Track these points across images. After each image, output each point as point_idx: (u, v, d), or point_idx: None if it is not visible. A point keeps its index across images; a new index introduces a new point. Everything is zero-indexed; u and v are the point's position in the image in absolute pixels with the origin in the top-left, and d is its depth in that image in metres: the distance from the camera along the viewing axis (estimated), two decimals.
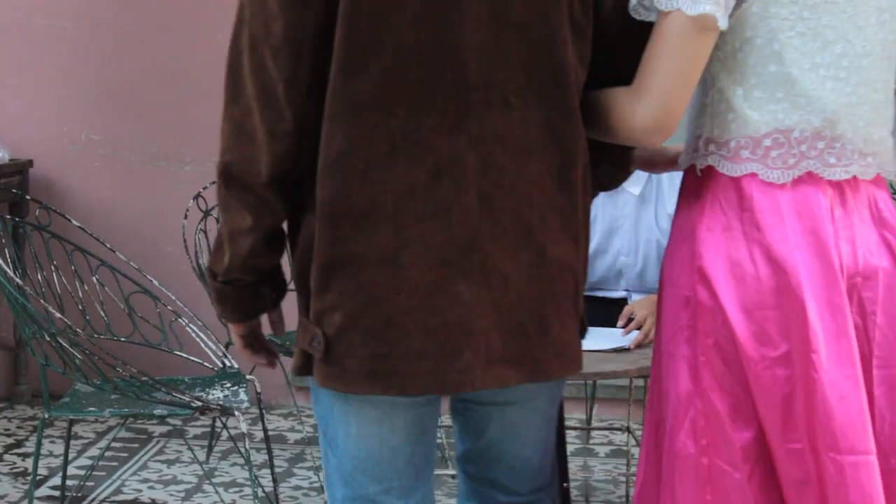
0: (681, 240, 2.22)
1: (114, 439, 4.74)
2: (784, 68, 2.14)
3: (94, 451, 4.76)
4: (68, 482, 4.20)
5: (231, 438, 4.68)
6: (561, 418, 3.05)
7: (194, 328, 4.12)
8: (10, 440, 4.91)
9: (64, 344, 3.55)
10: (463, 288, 1.99)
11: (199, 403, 3.63)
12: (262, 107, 1.99)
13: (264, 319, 2.28)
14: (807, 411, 2.09)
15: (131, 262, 4.22)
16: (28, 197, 4.72)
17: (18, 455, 4.73)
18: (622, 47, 2.12)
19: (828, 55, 2.15)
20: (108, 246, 4.21)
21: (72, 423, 3.92)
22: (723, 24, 2.07)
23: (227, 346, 4.36)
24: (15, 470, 4.55)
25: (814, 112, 2.15)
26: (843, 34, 2.15)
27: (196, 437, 4.97)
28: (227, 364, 4.11)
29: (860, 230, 2.18)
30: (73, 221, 4.21)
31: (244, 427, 3.67)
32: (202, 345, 4.15)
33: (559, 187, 2.05)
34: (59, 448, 4.70)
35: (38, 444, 3.80)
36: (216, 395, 3.81)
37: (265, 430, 4.03)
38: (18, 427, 5.09)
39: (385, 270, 1.98)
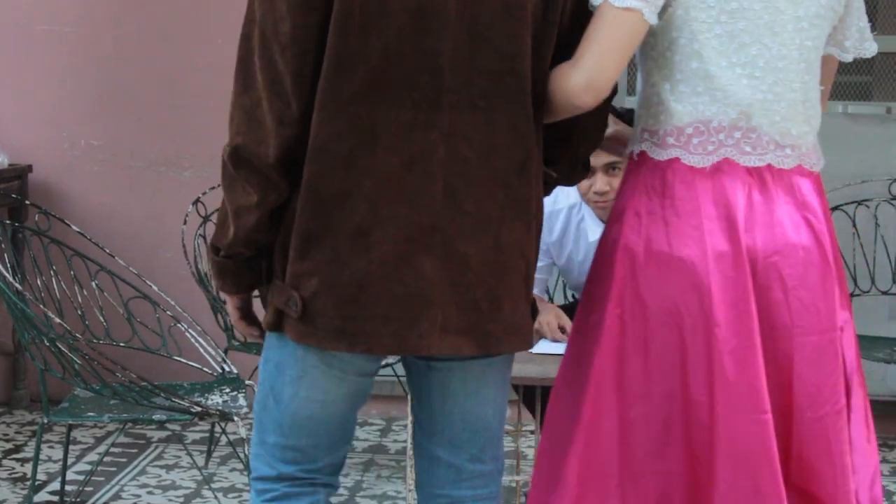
0: (613, 221, 2.51)
1: (113, 444, 4.73)
2: (704, 65, 2.42)
3: (92, 457, 4.75)
4: (67, 487, 4.20)
5: (230, 444, 4.69)
6: None
7: (193, 333, 4.12)
8: (8, 445, 4.90)
9: (63, 349, 3.55)
10: (426, 264, 2.26)
11: (198, 409, 3.64)
12: (272, 97, 2.24)
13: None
14: (707, 373, 2.39)
15: (130, 267, 4.22)
16: (27, 202, 4.73)
17: (17, 460, 4.73)
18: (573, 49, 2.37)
19: (744, 56, 2.43)
20: (108, 251, 4.21)
21: (71, 428, 3.93)
22: (650, 18, 2.35)
23: (226, 352, 4.37)
24: (14, 475, 4.55)
25: (730, 105, 2.44)
26: (759, 38, 2.43)
27: (195, 442, 4.97)
28: (226, 369, 4.11)
29: (781, 212, 2.45)
30: (73, 226, 4.22)
31: (243, 432, 3.67)
32: (201, 350, 4.16)
33: (518, 182, 2.31)
34: (57, 453, 4.70)
35: (37, 449, 3.80)
36: (215, 400, 3.81)
37: None
38: (17, 432, 5.08)
39: (358, 243, 2.25)
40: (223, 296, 2.52)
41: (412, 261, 2.26)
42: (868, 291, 5.14)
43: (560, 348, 3.30)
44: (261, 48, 2.24)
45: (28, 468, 4.52)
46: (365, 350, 2.30)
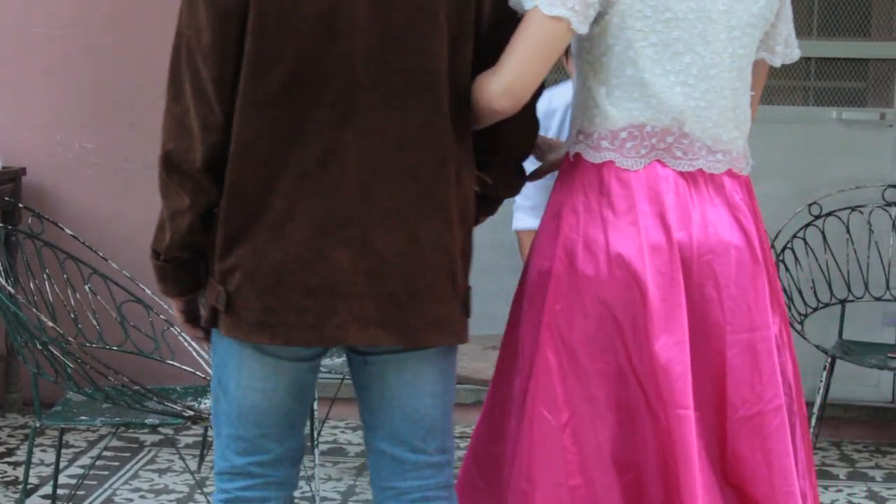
0: (550, 217, 2.58)
1: (105, 448, 4.72)
2: (639, 73, 2.49)
3: (85, 460, 4.75)
4: (59, 491, 4.19)
5: None
6: None
7: (186, 337, 4.12)
8: (1, 449, 4.89)
9: (56, 352, 3.55)
10: (341, 257, 2.34)
11: (191, 413, 3.63)
12: (198, 104, 2.36)
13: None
14: (640, 363, 2.47)
15: (124, 270, 4.21)
16: (21, 205, 4.72)
17: (9, 464, 4.73)
18: (498, 52, 2.44)
19: (677, 64, 2.50)
20: (101, 254, 4.21)
21: (63, 431, 3.92)
22: (578, 28, 2.42)
23: None
24: (6, 478, 4.54)
25: (664, 111, 2.51)
26: (692, 47, 2.50)
27: (188, 446, 4.97)
28: None
29: (714, 213, 2.53)
30: (66, 230, 4.21)
31: None
32: (194, 354, 4.15)
33: (434, 179, 2.38)
34: (50, 457, 4.69)
35: (30, 453, 3.80)
36: (208, 404, 3.80)
37: None
38: (9, 436, 5.08)
39: (276, 238, 2.34)
40: (167, 299, 2.62)
41: (328, 254, 2.34)
42: (861, 297, 5.14)
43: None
44: (187, 58, 2.37)
45: (20, 472, 4.51)
46: (284, 342, 2.38)
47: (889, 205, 5.16)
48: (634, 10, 2.46)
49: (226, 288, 2.39)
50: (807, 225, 5.08)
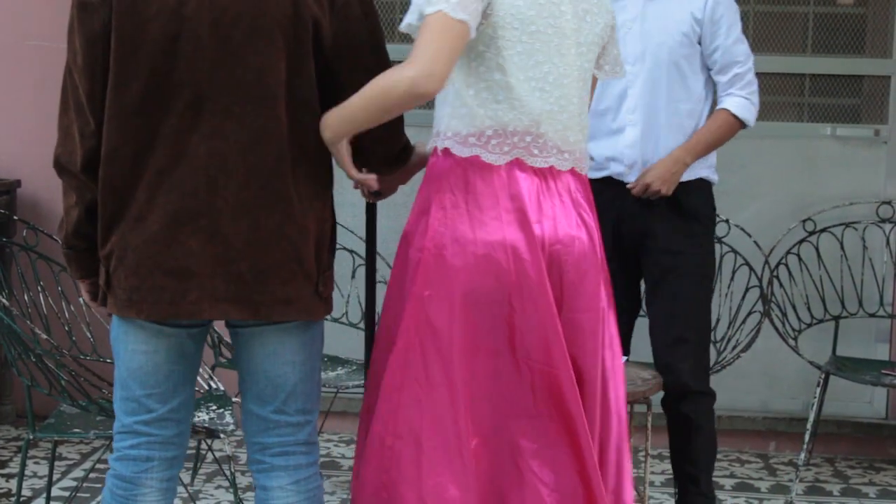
0: (420, 212, 2.86)
1: (98, 461, 4.72)
2: (505, 77, 2.80)
3: (78, 473, 4.74)
4: (52, 503, 4.18)
5: (216, 461, 4.69)
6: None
7: None
8: None
9: (49, 365, 3.55)
10: (193, 243, 2.72)
11: None
12: (77, 115, 2.82)
13: None
14: (510, 328, 2.78)
15: None
16: (15, 217, 4.72)
17: (2, 476, 4.71)
18: (350, 67, 2.79)
19: (538, 72, 2.82)
20: None
21: (56, 444, 3.92)
22: (473, 33, 2.71)
23: (213, 369, 4.36)
24: None
25: (524, 113, 2.82)
26: (550, 57, 2.83)
27: None
28: (213, 386, 4.10)
29: (561, 209, 2.86)
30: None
31: (229, 450, 3.66)
32: None
33: (273, 175, 2.74)
34: (43, 469, 4.69)
35: (23, 465, 3.79)
36: (202, 417, 3.80)
37: None
38: (2, 448, 5.07)
39: (138, 227, 2.74)
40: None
41: (181, 240, 2.72)
42: (855, 314, 5.15)
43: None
44: (69, 77, 2.83)
45: (13, 484, 4.51)
46: (149, 316, 2.77)
47: (883, 221, 5.18)
48: (506, 21, 2.78)
49: (107, 270, 2.80)
50: (801, 241, 5.09)
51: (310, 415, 2.95)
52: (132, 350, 2.85)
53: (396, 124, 2.86)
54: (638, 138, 3.94)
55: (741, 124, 4.00)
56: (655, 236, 3.98)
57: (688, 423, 4.03)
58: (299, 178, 2.78)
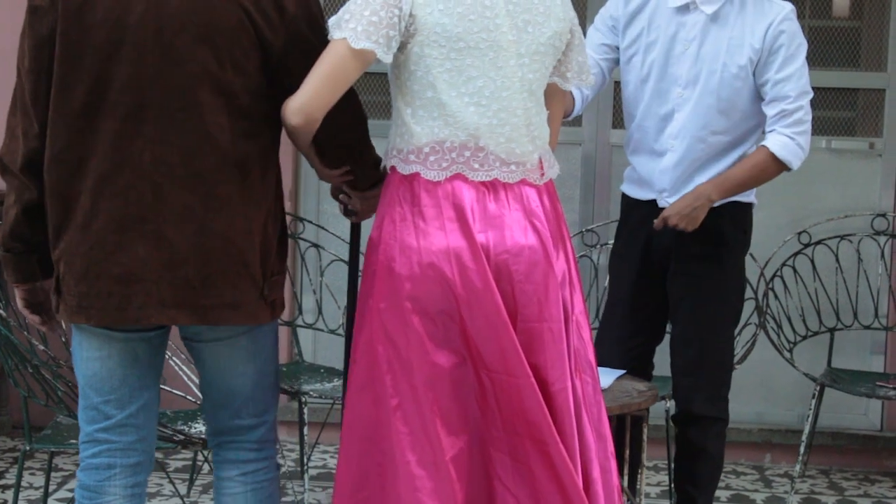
0: (375, 228, 2.92)
1: None
2: (437, 95, 2.84)
3: (74, 484, 4.73)
4: None
5: (212, 472, 4.68)
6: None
7: (177, 361, 4.12)
8: None
9: (46, 376, 3.55)
10: (139, 248, 2.73)
11: (181, 437, 3.63)
12: (22, 117, 2.84)
13: None
14: (465, 338, 2.81)
15: None
16: None
17: None
18: (302, 73, 2.78)
19: (471, 87, 2.85)
20: None
21: (53, 455, 3.92)
22: (383, 57, 2.78)
23: None
24: None
25: (460, 129, 2.85)
26: (485, 72, 2.85)
27: (177, 470, 4.96)
28: None
29: (510, 218, 2.87)
30: None
31: None
32: (185, 378, 4.15)
33: (217, 180, 2.75)
34: (39, 480, 4.69)
35: (19, 477, 3.79)
36: (198, 428, 3.80)
37: None
38: None
39: (84, 233, 2.75)
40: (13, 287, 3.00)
41: (127, 246, 2.73)
42: (850, 326, 5.16)
43: (610, 376, 3.70)
44: (17, 80, 2.86)
45: (9, 495, 4.50)
46: (98, 322, 2.79)
47: (878, 234, 5.19)
48: (431, 40, 2.81)
49: (57, 276, 2.81)
50: (796, 253, 5.10)
51: (263, 417, 3.03)
52: (86, 357, 2.87)
53: (344, 120, 2.87)
54: (673, 165, 3.81)
55: (781, 165, 3.75)
56: (678, 259, 3.87)
57: (693, 447, 3.98)
58: (244, 183, 2.79)
